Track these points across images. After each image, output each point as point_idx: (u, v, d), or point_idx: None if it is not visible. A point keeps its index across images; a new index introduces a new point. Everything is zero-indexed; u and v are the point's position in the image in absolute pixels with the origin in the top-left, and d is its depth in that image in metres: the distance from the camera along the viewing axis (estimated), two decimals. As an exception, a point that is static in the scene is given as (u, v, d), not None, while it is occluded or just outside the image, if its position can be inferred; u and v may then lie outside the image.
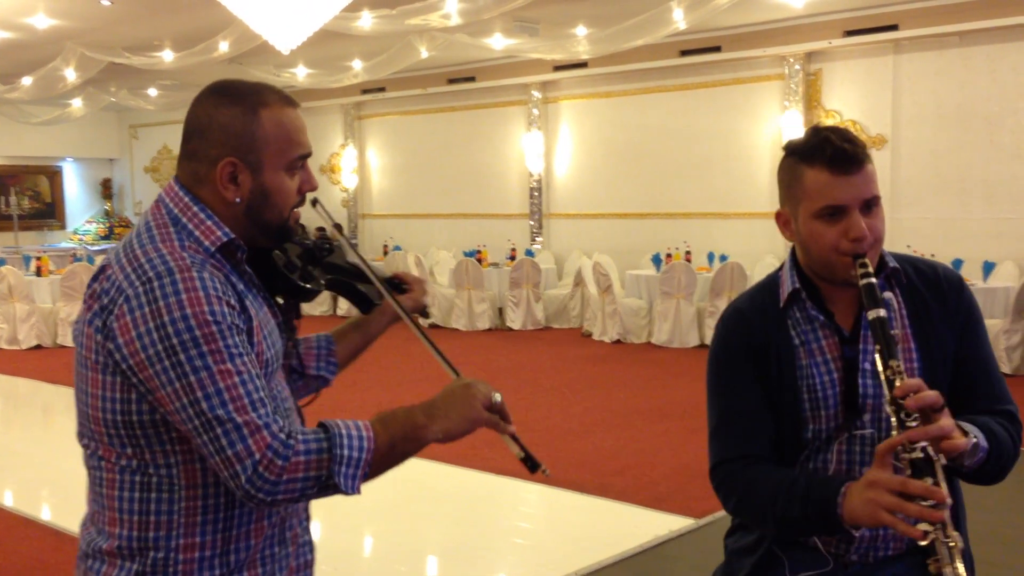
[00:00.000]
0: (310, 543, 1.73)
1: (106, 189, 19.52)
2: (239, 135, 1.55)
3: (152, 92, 15.01)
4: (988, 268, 9.13)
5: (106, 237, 18.42)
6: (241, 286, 1.56)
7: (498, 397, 1.61)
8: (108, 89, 14.27)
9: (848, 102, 10.70)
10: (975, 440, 1.64)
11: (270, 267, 1.67)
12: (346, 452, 1.46)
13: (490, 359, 9.83)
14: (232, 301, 1.49)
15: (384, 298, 1.93)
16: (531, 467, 1.70)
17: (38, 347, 11.11)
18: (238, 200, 1.56)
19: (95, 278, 1.53)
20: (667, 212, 12.11)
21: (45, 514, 5.32)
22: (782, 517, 1.72)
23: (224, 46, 10.37)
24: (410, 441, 1.55)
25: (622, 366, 9.23)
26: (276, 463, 1.41)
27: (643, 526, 4.71)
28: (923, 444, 1.52)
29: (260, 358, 1.53)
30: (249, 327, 1.51)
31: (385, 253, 14.04)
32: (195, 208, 1.56)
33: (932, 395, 1.54)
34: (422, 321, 1.94)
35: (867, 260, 1.73)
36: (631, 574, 4.23)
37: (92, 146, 18.91)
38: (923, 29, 9.83)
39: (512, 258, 12.33)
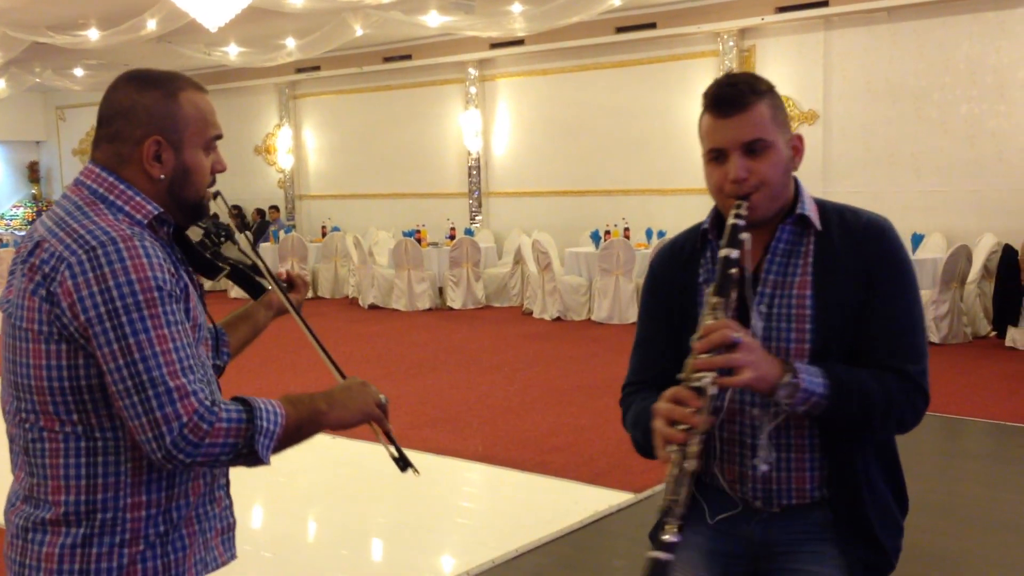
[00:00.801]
0: (231, 506, 1.82)
1: (33, 172, 18.99)
2: (163, 116, 1.66)
3: (78, 72, 14.60)
4: (917, 240, 9.35)
5: (33, 222, 17.94)
6: (173, 258, 1.66)
7: (384, 399, 1.79)
8: (32, 69, 13.85)
9: (781, 78, 10.81)
10: (791, 381, 1.66)
11: (185, 244, 1.77)
12: (264, 424, 1.57)
13: (431, 339, 9.80)
14: (172, 269, 1.58)
15: (270, 290, 2.09)
16: (402, 467, 1.83)
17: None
18: (162, 177, 1.66)
19: (31, 252, 1.58)
20: (605, 189, 12.17)
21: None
22: (634, 440, 1.90)
23: (152, 24, 10.12)
24: (312, 424, 1.68)
25: (562, 343, 9.28)
26: (201, 427, 1.51)
27: (582, 501, 4.75)
28: (707, 376, 1.61)
29: (193, 325, 1.62)
30: (185, 295, 1.61)
31: (324, 234, 13.89)
32: (121, 186, 1.65)
33: (719, 336, 1.62)
34: (387, 290, 2.02)
35: (744, 202, 1.75)
36: (573, 549, 4.26)
37: (17, 128, 18.36)
38: (853, 5, 9.98)
39: (452, 237, 12.29)
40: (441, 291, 11.85)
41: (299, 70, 14.41)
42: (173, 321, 1.54)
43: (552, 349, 9.01)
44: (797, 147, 1.83)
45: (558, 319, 10.55)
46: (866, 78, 10.25)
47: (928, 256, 9.03)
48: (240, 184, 15.46)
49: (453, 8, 10.53)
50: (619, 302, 10.17)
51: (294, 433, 1.63)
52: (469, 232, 12.64)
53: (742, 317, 1.78)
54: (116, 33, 10.69)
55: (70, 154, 18.72)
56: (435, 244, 12.11)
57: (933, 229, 9.71)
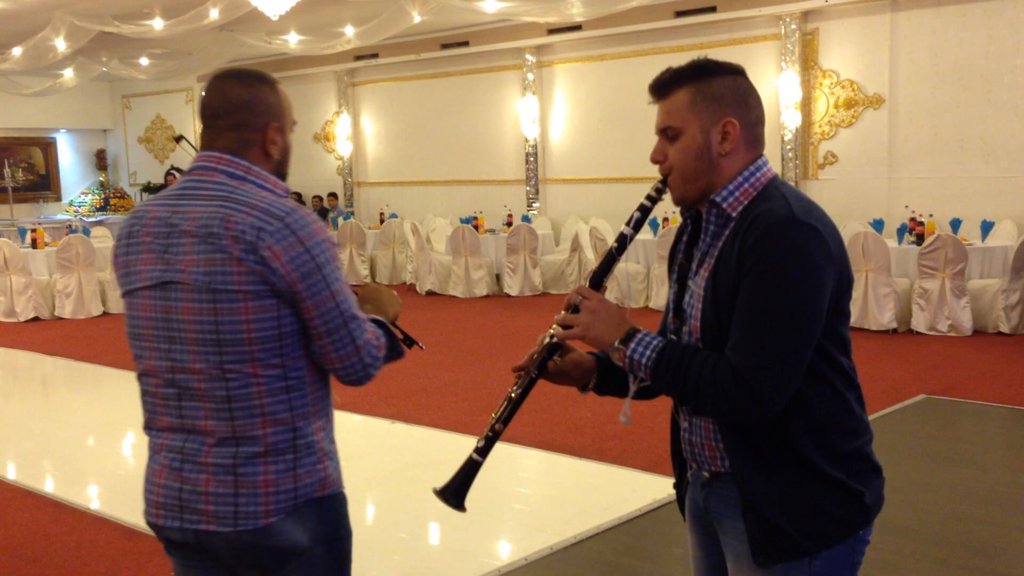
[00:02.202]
0: None
1: (100, 160, 19.42)
2: (274, 106, 1.97)
3: (144, 61, 14.88)
4: (986, 227, 9.10)
5: (101, 208, 18.35)
6: None
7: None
8: (99, 59, 14.13)
9: (845, 61, 10.61)
10: (618, 347, 1.83)
11: None
12: (385, 329, 2.03)
13: (487, 325, 9.82)
14: None
15: None
16: (408, 343, 2.18)
17: (35, 319, 11.09)
18: (277, 157, 1.98)
19: (222, 227, 1.82)
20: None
21: (46, 485, 5.33)
22: None
23: (214, 13, 10.25)
24: (394, 335, 2.09)
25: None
26: (377, 344, 1.96)
27: (640, 490, 4.72)
28: (552, 329, 1.93)
29: None
30: None
31: (382, 221, 13.99)
32: (255, 168, 1.93)
33: (568, 297, 1.90)
34: (445, 278, 2.42)
35: (662, 184, 1.90)
36: (631, 537, 4.25)
37: (85, 117, 18.78)
38: (921, -14, 9.73)
39: (509, 224, 12.29)
40: (498, 278, 11.86)
41: (357, 57, 14.49)
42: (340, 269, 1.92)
43: (609, 336, 8.95)
44: (728, 132, 1.82)
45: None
46: (933, 61, 9.99)
47: (999, 244, 8.79)
48: (300, 171, 15.63)
49: (511, -6, 10.49)
50: None
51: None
52: (526, 219, 12.63)
53: (683, 288, 1.94)
54: (180, 22, 10.85)
55: (135, 142, 19.10)
56: (492, 231, 12.12)
57: (1003, 216, 9.44)
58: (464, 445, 5.86)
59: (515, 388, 1.97)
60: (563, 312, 1.90)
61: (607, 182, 12.67)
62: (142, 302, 1.90)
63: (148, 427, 1.96)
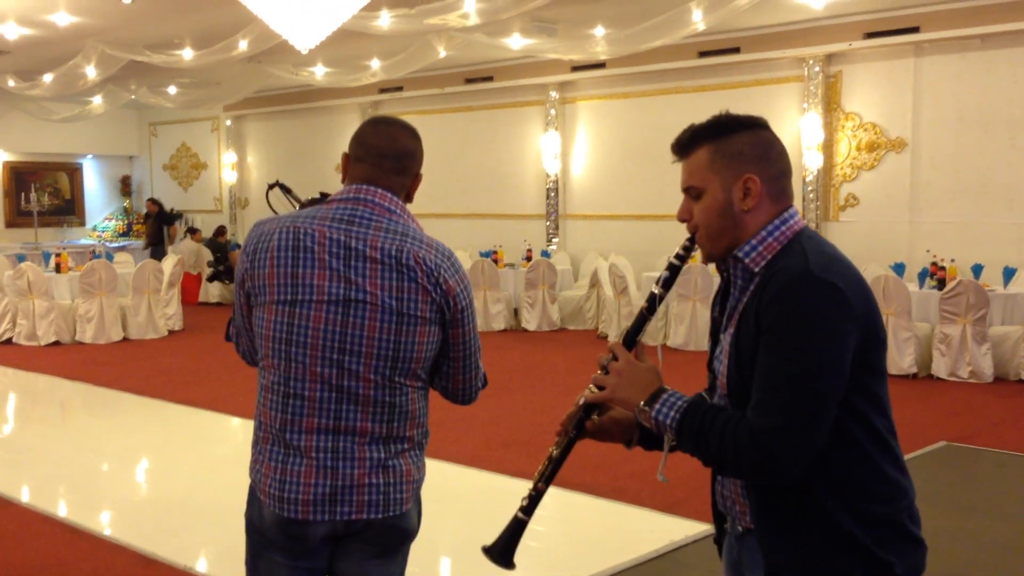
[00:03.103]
0: None
1: (125, 186, 19.63)
2: (422, 159, 2.29)
3: (172, 90, 15.08)
4: (1009, 274, 9.05)
5: (124, 234, 18.53)
6: None
7: None
8: (128, 87, 14.34)
9: (868, 104, 10.63)
10: (643, 408, 1.83)
11: None
12: None
13: (505, 359, 9.82)
14: None
15: None
16: None
17: (56, 343, 11.17)
18: (410, 200, 2.27)
19: (411, 261, 2.09)
20: (684, 214, 12.05)
21: (61, 510, 5.34)
22: None
23: (243, 44, 10.39)
24: None
25: (638, 368, 9.19)
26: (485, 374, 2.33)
27: (658, 531, 4.69)
28: (587, 390, 1.96)
29: None
30: None
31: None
32: (407, 207, 2.22)
33: (598, 358, 1.94)
34: None
35: (690, 242, 1.92)
36: (645, 579, 4.21)
37: (112, 143, 19.02)
38: (945, 32, 9.76)
39: (528, 259, 12.32)
40: (516, 312, 11.87)
41: (382, 90, 14.63)
42: None
43: (627, 374, 8.92)
44: (749, 188, 1.81)
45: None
46: (957, 106, 9.99)
47: (1021, 291, 8.74)
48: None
49: (536, 31, 10.60)
50: (696, 328, 10.05)
51: None
52: (545, 254, 12.65)
53: (716, 342, 1.97)
54: (210, 53, 11.01)
55: (160, 169, 19.31)
56: (511, 265, 12.15)
57: (1026, 262, 9.39)
58: (478, 480, 5.86)
59: (555, 448, 2.02)
60: (597, 372, 1.93)
61: (627, 219, 12.70)
62: (314, 313, 2.07)
63: (286, 428, 2.11)
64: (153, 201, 16.97)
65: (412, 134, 2.25)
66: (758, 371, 1.73)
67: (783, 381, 1.69)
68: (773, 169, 1.84)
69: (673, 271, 1.97)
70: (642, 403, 1.84)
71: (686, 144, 1.88)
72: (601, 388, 1.91)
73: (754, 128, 1.86)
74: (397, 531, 2.18)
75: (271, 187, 2.85)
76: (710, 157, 1.84)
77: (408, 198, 2.24)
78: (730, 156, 1.83)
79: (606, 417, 2.04)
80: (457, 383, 2.25)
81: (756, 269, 1.81)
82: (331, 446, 2.09)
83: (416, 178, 2.25)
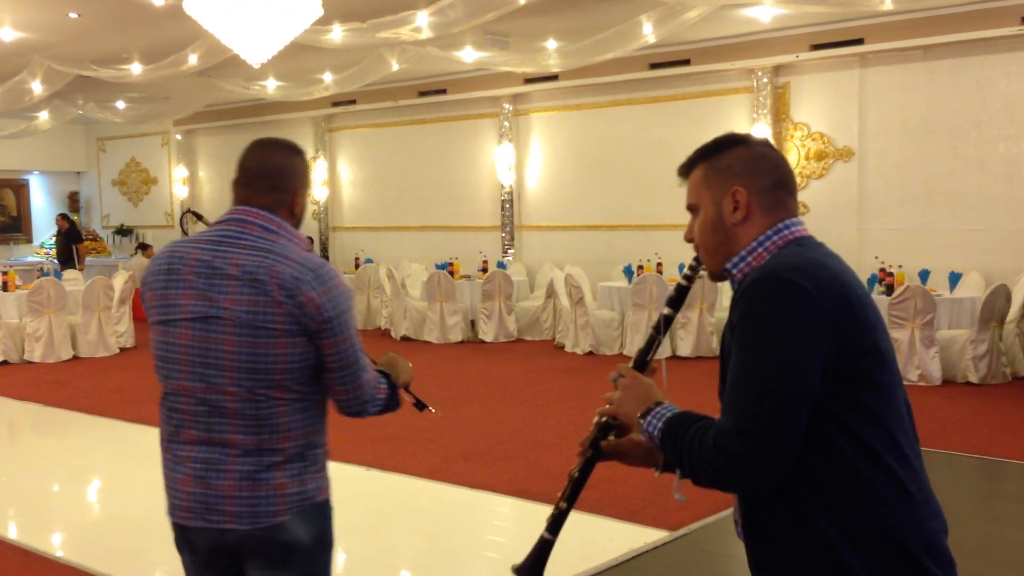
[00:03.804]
0: None
1: (73, 202, 19.31)
2: (303, 174, 2.35)
3: (120, 105, 14.89)
4: (954, 279, 9.26)
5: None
6: None
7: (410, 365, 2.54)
8: (75, 102, 14.13)
9: (816, 115, 10.83)
10: (639, 421, 1.82)
11: None
12: (388, 385, 2.36)
13: (463, 371, 9.82)
14: None
15: None
16: (420, 408, 2.61)
17: (4, 363, 10.95)
18: (299, 216, 2.33)
19: (267, 275, 2.15)
20: (638, 224, 12.18)
21: (12, 533, 5.24)
22: None
23: (193, 59, 10.31)
24: (392, 387, 2.40)
25: (594, 378, 9.25)
26: (378, 388, 2.31)
27: (617, 539, 4.72)
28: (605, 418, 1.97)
29: None
30: None
31: (357, 266, 13.99)
32: (285, 224, 2.27)
33: (610, 375, 1.94)
34: (419, 323, 2.72)
35: (696, 261, 1.95)
36: (606, 587, 4.23)
37: (59, 159, 18.70)
38: (888, 43, 9.98)
39: (484, 270, 12.34)
40: (473, 324, 11.88)
41: (335, 103, 14.59)
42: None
43: (584, 383, 8.99)
44: (738, 201, 1.82)
45: (590, 353, 10.53)
46: (902, 116, 10.22)
47: (966, 295, 8.94)
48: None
49: (488, 44, 10.65)
50: (703, 336, 10.07)
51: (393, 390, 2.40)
52: (501, 265, 12.68)
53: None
54: (158, 67, 10.90)
55: (109, 184, 19.03)
56: (468, 277, 12.16)
57: (971, 268, 9.62)
58: (438, 492, 5.85)
59: (575, 469, 2.01)
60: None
61: (582, 229, 12.78)
62: (181, 331, 2.19)
63: (171, 440, 2.25)
64: (64, 217, 16.51)
65: (289, 152, 2.33)
66: (732, 368, 1.71)
67: (743, 382, 1.66)
68: (763, 181, 1.83)
69: (681, 292, 2.00)
70: (638, 416, 1.83)
71: (686, 165, 1.92)
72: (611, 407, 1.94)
73: (748, 144, 1.88)
74: (273, 544, 2.20)
75: (184, 214, 2.95)
76: (703, 174, 1.88)
77: (293, 214, 2.30)
78: (719, 171, 1.85)
79: (625, 439, 2.00)
80: (338, 394, 2.25)
81: (741, 278, 1.82)
82: (204, 457, 2.19)
83: (296, 194, 2.30)
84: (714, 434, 1.65)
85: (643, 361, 1.97)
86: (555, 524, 2.00)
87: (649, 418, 1.79)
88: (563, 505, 2.00)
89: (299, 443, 2.22)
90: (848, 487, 1.65)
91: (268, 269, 2.16)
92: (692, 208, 1.90)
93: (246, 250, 2.19)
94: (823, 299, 1.64)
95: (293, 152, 2.34)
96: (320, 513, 2.27)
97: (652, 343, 1.99)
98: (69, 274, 13.16)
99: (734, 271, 1.83)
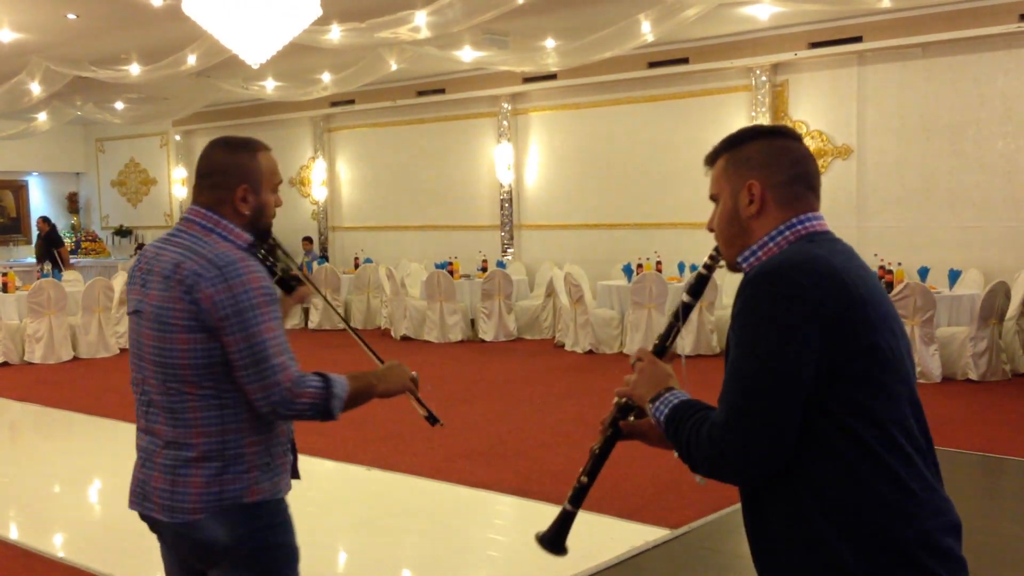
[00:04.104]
0: (295, 449, 2.48)
1: (72, 203, 19.30)
2: (250, 170, 2.32)
3: (119, 106, 14.89)
4: (954, 276, 9.27)
5: (72, 252, 18.20)
6: None
7: (415, 375, 2.46)
8: (74, 103, 14.13)
9: (814, 112, 10.84)
10: (648, 406, 1.88)
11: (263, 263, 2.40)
12: (336, 391, 2.22)
13: (463, 371, 9.82)
14: (270, 281, 2.25)
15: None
16: (432, 422, 2.53)
17: (5, 364, 10.95)
18: (247, 213, 2.31)
19: (173, 271, 2.19)
20: (638, 222, 12.19)
21: (14, 534, 5.24)
22: None
23: (192, 59, 10.31)
24: (366, 394, 2.33)
25: (595, 376, 9.26)
26: (295, 391, 2.17)
27: (618, 537, 4.73)
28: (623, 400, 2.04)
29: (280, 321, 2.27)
30: (275, 300, 2.26)
31: (356, 266, 13.99)
32: (224, 222, 2.28)
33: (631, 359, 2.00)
34: (419, 322, 2.53)
35: (716, 251, 1.96)
36: (607, 585, 4.24)
37: (58, 160, 18.70)
38: (887, 41, 9.99)
39: (483, 269, 12.34)
40: (473, 323, 11.88)
41: (333, 103, 14.60)
42: (275, 317, 2.19)
43: (585, 382, 8.99)
44: (753, 194, 1.84)
45: (590, 352, 10.54)
46: (900, 113, 10.23)
47: (965, 292, 8.95)
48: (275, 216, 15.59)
49: (487, 43, 10.65)
50: (651, 336, 10.12)
51: (354, 399, 2.27)
52: (501, 264, 12.69)
53: None
54: (157, 68, 10.90)
55: (108, 185, 19.03)
56: (467, 276, 12.16)
57: (970, 265, 9.62)
58: (439, 491, 5.86)
59: (596, 445, 2.08)
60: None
61: (581, 228, 12.79)
62: (129, 324, 2.33)
63: (137, 427, 2.35)
64: (44, 220, 16.25)
65: (231, 150, 2.33)
66: (730, 359, 1.74)
67: (735, 375, 1.68)
68: (781, 175, 1.83)
69: (701, 280, 2.01)
70: (649, 400, 1.88)
71: (711, 155, 1.94)
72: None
73: (772, 136, 1.89)
74: (190, 541, 2.23)
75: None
76: (724, 165, 1.90)
77: (238, 211, 2.29)
78: (738, 164, 1.87)
79: (644, 420, 2.02)
80: (248, 393, 2.18)
81: (749, 271, 1.82)
82: (144, 446, 2.30)
83: (237, 190, 2.28)
84: (708, 426, 1.70)
85: (662, 347, 2.01)
86: (576, 497, 2.09)
87: (657, 403, 1.85)
88: (584, 479, 2.08)
89: (214, 441, 2.20)
90: (845, 486, 1.66)
91: (177, 266, 2.19)
92: (714, 198, 1.92)
93: (176, 248, 2.24)
94: (820, 298, 1.65)
95: (236, 149, 2.33)
96: (247, 515, 2.23)
97: (671, 330, 2.02)
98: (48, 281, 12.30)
99: (744, 264, 1.85)
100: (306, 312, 13.35)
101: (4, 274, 11.94)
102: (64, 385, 9.69)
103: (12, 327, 11.13)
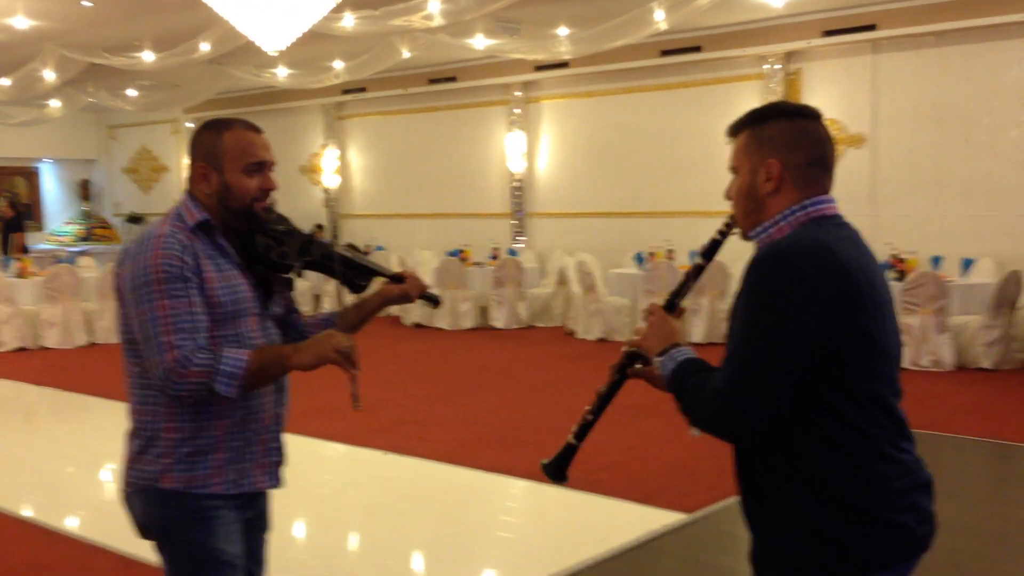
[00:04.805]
0: (279, 448, 2.38)
1: (84, 190, 19.39)
2: (209, 149, 2.27)
3: (131, 93, 14.93)
4: (966, 264, 9.26)
5: (85, 238, 18.30)
6: (209, 252, 2.22)
7: (348, 344, 2.19)
8: (86, 90, 14.17)
9: (828, 101, 10.81)
10: (655, 359, 2.02)
11: (252, 247, 2.32)
12: (224, 367, 2.11)
13: (474, 358, 9.86)
14: (186, 258, 2.16)
15: (368, 285, 2.53)
16: (353, 400, 2.24)
17: (21, 349, 11.03)
18: (209, 192, 2.26)
19: (120, 251, 2.27)
20: (649, 211, 12.19)
21: (31, 512, 5.30)
22: None
23: (205, 47, 10.34)
24: (276, 366, 2.20)
25: (606, 364, 9.17)
26: (179, 371, 2.10)
27: (635, 521, 4.76)
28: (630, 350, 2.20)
29: (214, 301, 2.19)
30: (200, 278, 2.18)
31: (367, 254, 14.02)
32: (188, 200, 2.28)
33: (642, 314, 2.13)
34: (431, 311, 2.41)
35: (731, 219, 2.05)
36: (628, 568, 4.28)
37: (70, 147, 18.78)
38: (900, 29, 9.96)
39: (495, 257, 12.37)
40: (484, 311, 11.92)
41: (345, 91, 14.61)
42: (175, 295, 2.12)
43: (596, 370, 8.97)
44: (771, 173, 1.90)
45: (601, 340, 10.56)
46: (914, 102, 10.20)
47: (978, 281, 8.94)
48: (285, 203, 15.42)
49: (499, 31, 10.65)
50: (715, 323, 10.07)
51: (258, 373, 2.15)
52: (512, 252, 12.71)
53: None
54: (170, 55, 10.93)
55: (120, 172, 19.10)
56: (479, 264, 12.19)
57: (983, 254, 9.61)
58: (453, 475, 5.89)
59: (603, 387, 2.23)
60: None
61: (593, 216, 12.80)
62: None
63: None
64: (11, 204, 16.14)
65: (200, 128, 2.33)
66: (731, 331, 1.88)
67: (738, 346, 1.83)
68: (800, 157, 1.90)
69: (714, 244, 2.15)
70: (656, 354, 2.01)
71: (734, 127, 2.01)
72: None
73: (795, 117, 1.94)
74: (128, 510, 2.30)
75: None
76: (746, 141, 1.97)
77: (197, 191, 2.27)
78: (760, 141, 1.93)
79: (650, 367, 2.14)
80: (146, 363, 2.16)
81: (761, 247, 1.91)
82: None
83: (195, 168, 2.28)
84: (709, 390, 1.84)
85: (672, 303, 2.14)
86: (581, 431, 2.26)
87: (664, 358, 2.00)
88: (589, 416, 2.24)
89: (140, 420, 2.24)
90: (824, 455, 1.80)
91: (125, 247, 2.29)
92: (734, 170, 2.00)
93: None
94: (821, 284, 1.76)
95: (205, 127, 2.32)
96: (162, 501, 2.21)
97: (683, 288, 2.16)
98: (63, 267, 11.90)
99: (756, 239, 1.95)
100: (316, 299, 13.37)
101: (19, 260, 12.01)
102: (79, 369, 9.76)
103: (28, 312, 11.20)
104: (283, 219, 2.41)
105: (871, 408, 1.82)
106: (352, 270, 2.50)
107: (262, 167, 2.28)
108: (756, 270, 1.81)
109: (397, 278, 2.60)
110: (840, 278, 1.78)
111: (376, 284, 2.57)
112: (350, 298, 2.52)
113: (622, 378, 2.20)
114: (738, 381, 1.79)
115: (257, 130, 2.32)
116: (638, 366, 2.19)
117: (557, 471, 2.26)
